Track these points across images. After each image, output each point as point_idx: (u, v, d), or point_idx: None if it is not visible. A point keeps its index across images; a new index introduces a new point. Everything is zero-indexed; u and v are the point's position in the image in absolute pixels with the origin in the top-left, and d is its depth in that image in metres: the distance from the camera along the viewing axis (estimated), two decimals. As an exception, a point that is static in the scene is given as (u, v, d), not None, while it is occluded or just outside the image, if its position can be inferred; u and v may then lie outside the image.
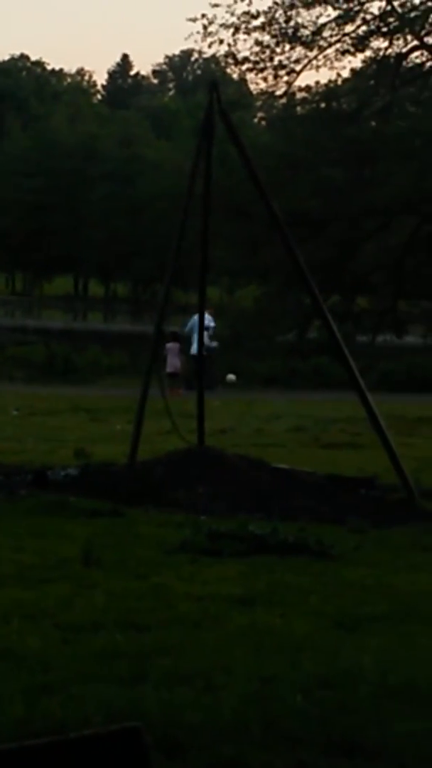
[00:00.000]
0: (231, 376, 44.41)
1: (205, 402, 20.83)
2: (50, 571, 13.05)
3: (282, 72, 57.23)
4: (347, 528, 16.21)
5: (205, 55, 66.29)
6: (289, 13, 55.55)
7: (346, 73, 61.41)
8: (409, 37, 57.70)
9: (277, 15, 55.60)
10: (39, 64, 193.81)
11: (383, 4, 56.24)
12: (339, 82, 61.20)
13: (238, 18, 55.31)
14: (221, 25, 55.39)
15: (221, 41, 56.01)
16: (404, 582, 13.15)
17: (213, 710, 8.47)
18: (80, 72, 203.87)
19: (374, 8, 56.19)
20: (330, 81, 62.03)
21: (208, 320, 45.74)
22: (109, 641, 10.22)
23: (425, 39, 58.13)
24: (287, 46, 56.19)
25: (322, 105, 60.98)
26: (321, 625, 11.07)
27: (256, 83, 60.34)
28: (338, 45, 56.86)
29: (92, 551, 13.62)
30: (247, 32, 55.80)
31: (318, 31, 56.01)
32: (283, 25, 55.79)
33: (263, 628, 10.88)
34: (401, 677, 9.32)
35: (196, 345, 45.06)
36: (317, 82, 62.58)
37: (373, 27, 56.87)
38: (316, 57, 56.87)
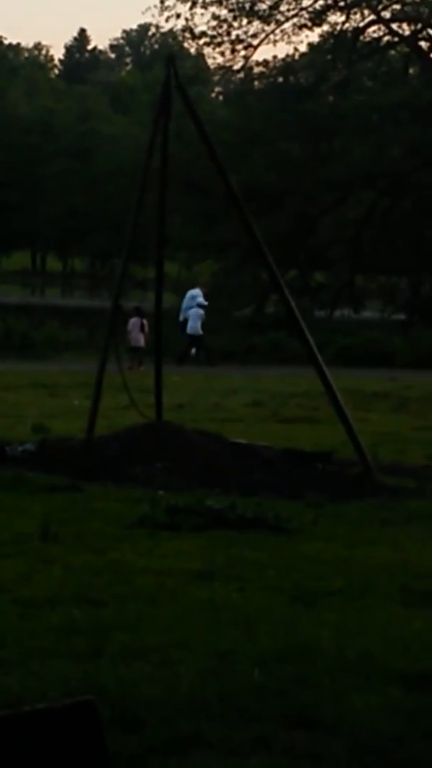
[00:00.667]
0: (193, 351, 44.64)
1: (163, 377, 20.81)
2: (7, 547, 13.03)
3: (239, 46, 57.40)
4: (305, 503, 16.21)
5: (162, 30, 66.33)
6: (246, -14, 55.52)
7: (303, 48, 61.81)
8: (366, 12, 57.98)
9: (235, -12, 55.57)
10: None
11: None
12: (296, 56, 61.53)
13: (195, -9, 55.25)
14: (178, 0, 55.35)
15: (178, 15, 56.19)
16: (361, 556, 13.17)
17: (170, 685, 8.47)
18: (37, 46, 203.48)
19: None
20: (287, 55, 62.29)
21: (202, 298, 46.08)
22: (66, 616, 10.23)
23: (382, 13, 58.37)
24: (244, 21, 56.33)
25: (280, 79, 61.15)
26: (278, 600, 11.08)
27: (213, 58, 60.50)
28: (295, 19, 57.08)
29: (50, 526, 13.60)
30: (204, 6, 55.93)
31: (275, 5, 56.17)
32: (240, -1, 55.75)
33: (221, 602, 10.89)
34: (357, 651, 9.34)
35: (193, 322, 45.47)
36: (274, 57, 62.87)
37: (330, 1, 57.10)
38: (273, 31, 57.08)
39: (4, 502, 15.53)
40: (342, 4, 57.41)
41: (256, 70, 61.00)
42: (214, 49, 57.98)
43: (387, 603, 11.08)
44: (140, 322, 41.83)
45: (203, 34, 56.77)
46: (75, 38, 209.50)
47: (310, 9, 56.83)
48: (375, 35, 59.72)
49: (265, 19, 56.39)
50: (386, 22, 59.08)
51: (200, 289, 47.62)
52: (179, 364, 43.17)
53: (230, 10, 55.78)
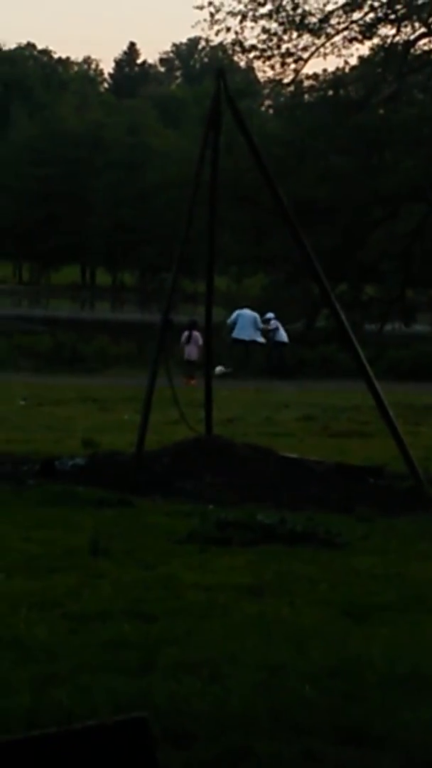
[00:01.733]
0: (220, 368, 44.67)
1: (213, 391, 20.83)
2: (58, 561, 13.06)
3: (289, 60, 57.47)
4: (355, 517, 16.22)
5: (212, 43, 66.39)
6: (296, 0, 55.69)
7: (353, 61, 61.80)
8: (416, 24, 57.93)
9: (284, 2, 55.86)
10: (45, 52, 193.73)
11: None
12: (346, 69, 61.57)
13: (245, 5, 55.57)
14: (228, 13, 55.65)
15: (228, 29, 56.28)
16: (413, 570, 13.16)
17: (220, 700, 8.49)
18: (87, 60, 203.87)
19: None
20: (337, 68, 62.36)
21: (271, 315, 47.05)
22: (116, 631, 10.24)
23: (433, 25, 58.16)
24: (294, 34, 56.43)
25: (330, 93, 61.20)
26: (329, 614, 11.09)
27: (264, 71, 60.73)
28: (346, 32, 57.16)
29: (100, 541, 13.64)
30: (255, 20, 56.06)
31: (325, 18, 56.23)
32: (291, 12, 56.01)
33: (271, 617, 10.89)
34: (408, 666, 9.34)
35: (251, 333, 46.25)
36: (325, 70, 62.84)
37: (380, 14, 57.13)
38: (323, 44, 57.10)
39: (54, 517, 15.57)
40: (393, 17, 57.42)
41: (306, 83, 61.16)
42: (264, 62, 58.13)
43: (438, 618, 11.08)
44: (197, 336, 41.86)
45: (253, 47, 56.89)
46: (125, 52, 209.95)
47: (361, 22, 56.89)
48: (426, 48, 59.68)
49: (316, 32, 56.45)
50: (439, 35, 59.06)
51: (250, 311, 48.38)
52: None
53: (280, 24, 55.86)
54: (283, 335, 48.91)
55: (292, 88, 61.35)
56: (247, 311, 47.72)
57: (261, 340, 47.96)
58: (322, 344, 49.15)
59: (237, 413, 27.92)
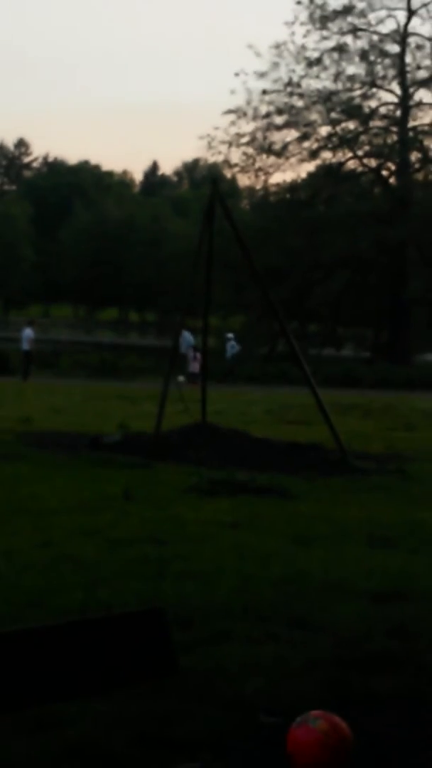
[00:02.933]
0: (180, 377, 44.57)
1: (207, 392, 20.79)
2: (101, 504, 13.02)
3: (260, 173, 57.85)
4: (301, 477, 16.17)
5: (209, 162, 66.33)
6: (266, 134, 56.05)
7: (303, 175, 62.09)
8: (346, 151, 58.11)
9: (258, 135, 56.00)
10: (97, 166, 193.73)
11: (329, 128, 56.55)
12: (299, 180, 61.75)
13: (231, 137, 55.76)
14: (220, 142, 55.84)
15: (220, 152, 56.56)
16: (340, 513, 13.11)
17: (210, 598, 8.45)
18: (124, 172, 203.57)
19: (323, 131, 56.65)
20: (293, 180, 62.53)
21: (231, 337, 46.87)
22: (140, 551, 10.21)
23: (357, 152, 58.45)
24: (264, 156, 56.65)
25: (287, 195, 61.47)
26: (283, 542, 11.05)
27: (243, 181, 60.93)
28: (299, 155, 57.34)
29: (130, 491, 13.60)
30: (238, 146, 56.31)
31: (285, 146, 56.57)
32: (262, 142, 56.19)
33: (245, 543, 10.85)
34: (338, 576, 9.31)
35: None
36: (284, 180, 63.24)
37: (322, 144, 57.25)
38: (283, 163, 57.36)
39: (98, 475, 15.52)
40: (330, 146, 57.70)
41: (272, 189, 61.36)
42: (243, 175, 58.51)
43: (357, 545, 11.02)
44: (196, 355, 41.85)
45: (236, 164, 57.24)
46: (150, 166, 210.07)
47: (309, 149, 57.23)
48: (352, 167, 59.96)
49: (278, 155, 56.71)
50: (359, 158, 59.29)
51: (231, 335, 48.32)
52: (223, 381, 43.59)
53: (255, 149, 56.27)
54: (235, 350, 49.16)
55: (261, 192, 61.59)
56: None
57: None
58: (280, 362, 49.24)
59: (222, 407, 27.84)
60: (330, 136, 57.54)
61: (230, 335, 50.51)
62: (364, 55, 55.72)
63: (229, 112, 55.77)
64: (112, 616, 3.04)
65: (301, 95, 55.86)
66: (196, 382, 38.30)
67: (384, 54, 56.82)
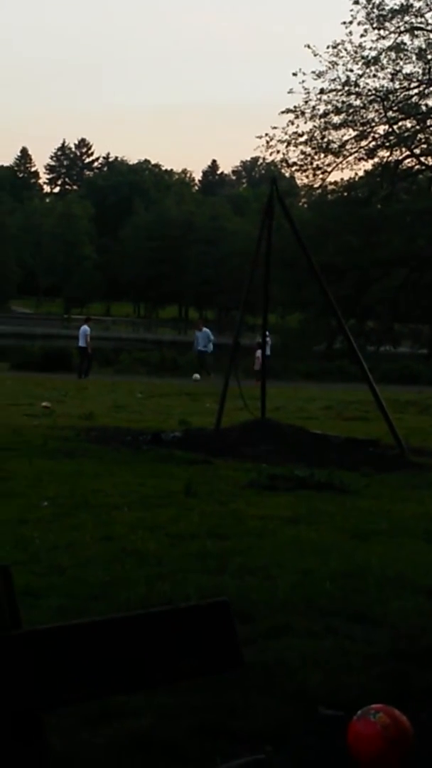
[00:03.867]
0: (196, 376, 44.43)
1: (266, 389, 20.77)
2: (163, 499, 13.04)
3: (318, 172, 57.67)
4: (360, 473, 16.13)
5: (267, 160, 66.18)
6: (323, 133, 55.85)
7: (361, 173, 61.86)
8: (403, 150, 57.83)
9: (315, 134, 55.83)
10: (157, 165, 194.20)
11: (386, 127, 56.32)
12: (356, 178, 61.58)
13: (290, 136, 55.63)
14: (278, 141, 55.73)
15: (278, 151, 56.43)
16: (398, 509, 13.05)
17: (270, 592, 8.44)
18: (184, 171, 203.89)
19: (380, 130, 56.40)
20: (350, 178, 62.40)
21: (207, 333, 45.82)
22: (201, 545, 10.21)
23: (414, 150, 58.14)
24: (322, 155, 56.48)
25: (345, 194, 61.26)
26: (342, 537, 11.02)
27: (301, 179, 60.83)
28: (356, 154, 57.15)
29: (190, 486, 13.62)
30: (296, 145, 56.15)
31: (342, 145, 56.32)
32: (320, 141, 56.00)
33: (304, 538, 10.83)
34: (395, 571, 9.26)
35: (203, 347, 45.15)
36: (341, 179, 62.95)
37: (379, 142, 57.00)
38: (341, 162, 57.13)
39: (160, 470, 15.56)
40: (387, 144, 57.45)
41: (329, 187, 61.19)
42: (301, 173, 58.33)
43: (416, 540, 10.98)
44: (260, 352, 41.80)
45: (294, 163, 57.05)
46: (209, 166, 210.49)
47: (366, 148, 57.00)
48: (410, 164, 59.72)
49: (336, 154, 56.55)
50: (417, 156, 58.98)
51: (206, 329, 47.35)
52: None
53: (313, 148, 56.07)
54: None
55: (319, 191, 61.42)
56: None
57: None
58: (338, 359, 49.18)
59: (281, 404, 27.85)
60: (387, 134, 57.27)
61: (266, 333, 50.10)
62: (421, 53, 55.34)
63: (287, 111, 55.61)
64: (177, 608, 3.05)
65: (358, 94, 55.60)
66: (258, 379, 38.39)
67: (441, 52, 56.45)
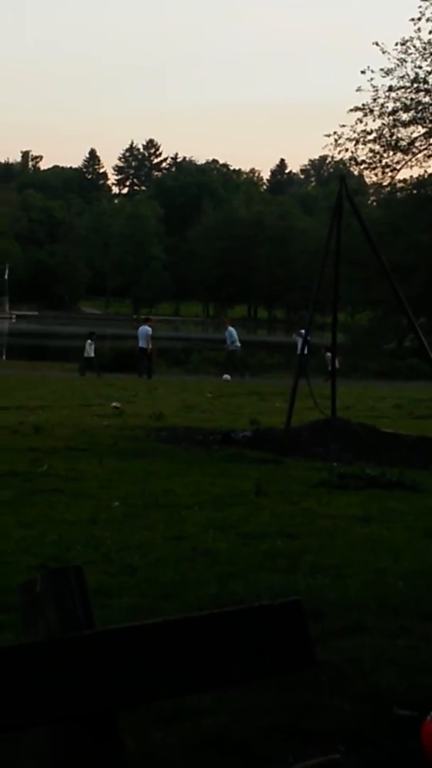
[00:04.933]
0: (226, 376, 44.29)
1: (336, 388, 20.70)
2: (233, 499, 13.04)
3: (387, 170, 57.34)
4: (431, 472, 16.04)
5: (335, 159, 66.02)
6: (392, 131, 55.55)
7: (431, 170, 61.47)
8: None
9: (384, 132, 55.59)
10: (225, 165, 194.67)
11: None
12: (426, 176, 61.21)
13: (358, 134, 55.35)
14: (347, 139, 55.48)
15: (346, 149, 56.14)
16: (470, 508, 12.97)
17: (342, 591, 8.42)
18: (252, 170, 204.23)
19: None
20: (420, 175, 62.02)
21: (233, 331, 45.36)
22: (272, 545, 10.20)
23: None
24: (391, 153, 56.21)
25: (414, 191, 60.96)
26: (414, 536, 10.96)
27: (370, 177, 60.54)
28: (425, 151, 56.74)
29: (261, 486, 13.61)
30: (364, 143, 55.86)
31: (412, 142, 55.95)
32: (389, 138, 55.77)
33: (376, 537, 10.79)
34: (470, 571, 9.21)
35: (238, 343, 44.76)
36: (411, 176, 62.55)
37: (449, 138, 56.69)
38: (410, 159, 56.83)
39: (230, 470, 15.56)
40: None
41: (399, 185, 60.91)
42: (370, 172, 58.09)
43: None
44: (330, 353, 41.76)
45: (363, 161, 56.76)
46: (277, 165, 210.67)
47: (436, 144, 56.75)
48: None
49: (405, 151, 56.25)
50: None
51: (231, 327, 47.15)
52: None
53: (382, 146, 55.80)
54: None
55: (388, 188, 61.17)
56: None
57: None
58: (408, 358, 48.98)
59: (351, 403, 27.77)
60: (458, 131, 56.95)
61: (302, 331, 50.04)
62: None
63: (356, 109, 55.31)
64: (250, 607, 3.04)
65: (427, 91, 55.20)
66: (325, 379, 38.35)
67: None
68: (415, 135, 56.47)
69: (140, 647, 2.73)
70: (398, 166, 57.70)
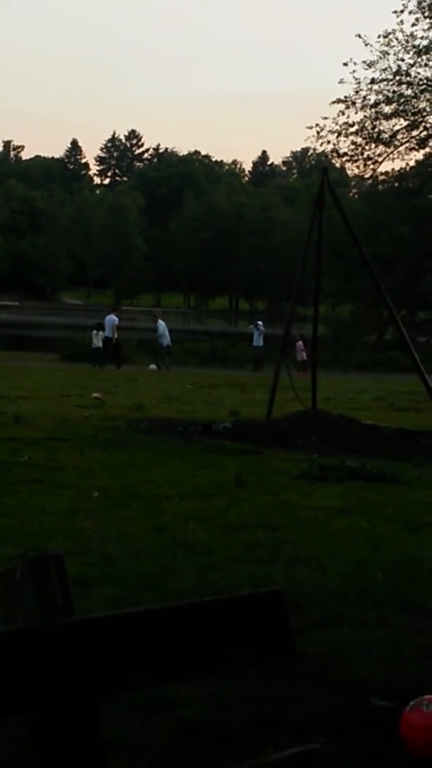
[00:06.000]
0: (152, 366, 44.40)
1: (317, 380, 20.71)
2: (213, 490, 13.05)
3: (369, 162, 57.37)
4: (412, 463, 16.07)
5: (317, 151, 65.97)
6: (374, 123, 55.58)
7: (412, 163, 61.55)
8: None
9: (366, 124, 55.61)
10: (207, 156, 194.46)
11: (438, 116, 56.08)
12: (407, 168, 61.28)
13: (340, 126, 55.36)
14: (329, 131, 55.48)
15: (329, 141, 56.14)
16: (450, 500, 13.00)
17: (322, 582, 8.43)
18: (234, 162, 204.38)
19: (432, 120, 56.14)
20: (401, 168, 62.10)
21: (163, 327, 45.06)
22: (252, 536, 10.21)
23: (466, 139, 57.90)
24: (373, 145, 56.25)
25: (396, 184, 61.07)
26: (394, 528, 10.98)
27: (352, 170, 60.51)
28: (407, 144, 56.83)
29: (241, 477, 13.62)
30: (346, 136, 55.86)
31: (394, 135, 56.03)
32: (371, 131, 55.79)
33: (356, 528, 10.80)
34: (449, 563, 9.23)
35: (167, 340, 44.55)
36: (392, 169, 62.53)
37: (430, 132, 56.69)
38: (392, 152, 56.90)
39: (210, 461, 15.57)
40: (440, 134, 57.29)
41: (380, 178, 60.95)
42: (352, 164, 58.11)
43: (468, 531, 10.93)
44: (302, 344, 41.89)
45: (345, 154, 56.78)
46: (259, 156, 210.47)
47: (417, 137, 56.74)
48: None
49: (387, 144, 56.30)
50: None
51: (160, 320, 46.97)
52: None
53: (363, 138, 55.82)
54: (260, 340, 48.64)
55: (370, 181, 61.23)
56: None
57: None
58: (389, 350, 49.08)
59: (332, 395, 27.80)
60: (439, 123, 56.99)
61: (259, 323, 50.62)
62: (474, 42, 54.97)
63: (338, 101, 55.30)
64: (231, 597, 3.05)
65: (409, 84, 55.25)
66: (305, 371, 38.40)
67: None
68: (397, 128, 56.50)
69: (120, 636, 2.73)
70: (380, 159, 57.70)
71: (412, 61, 54.79)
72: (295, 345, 42.08)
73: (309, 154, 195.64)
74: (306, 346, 43.01)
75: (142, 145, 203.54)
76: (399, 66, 54.92)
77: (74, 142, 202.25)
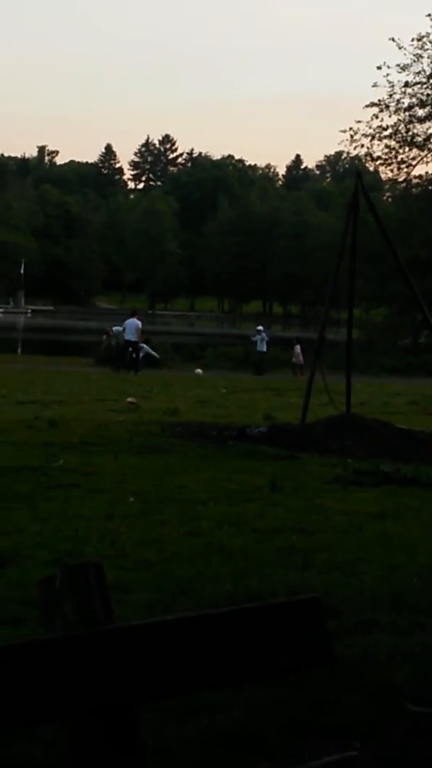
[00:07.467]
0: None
1: (351, 384, 20.67)
2: (248, 494, 13.04)
3: (403, 166, 57.28)
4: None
5: (351, 155, 65.95)
6: (408, 127, 55.46)
7: (447, 166, 61.45)
8: None
9: (400, 128, 55.51)
10: (241, 161, 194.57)
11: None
12: (441, 171, 61.09)
13: (374, 130, 55.31)
14: (362, 135, 55.42)
15: (362, 145, 56.09)
16: None
17: (357, 587, 8.42)
18: (268, 166, 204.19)
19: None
20: (435, 171, 61.93)
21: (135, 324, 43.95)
22: (287, 541, 10.19)
23: None
24: (407, 148, 56.13)
25: (430, 187, 60.88)
26: (429, 532, 10.93)
27: (385, 173, 60.45)
28: (441, 147, 56.69)
29: (276, 481, 13.61)
30: (380, 139, 55.80)
31: (427, 138, 55.93)
32: (404, 134, 55.66)
33: (391, 533, 10.78)
34: None
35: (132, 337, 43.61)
36: (426, 172, 62.35)
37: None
38: (426, 155, 56.74)
39: (245, 466, 15.55)
40: None
41: (414, 181, 60.86)
42: (386, 167, 58.05)
43: None
44: (301, 348, 41.93)
45: (379, 157, 56.77)
46: (293, 160, 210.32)
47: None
48: None
49: (421, 147, 56.18)
50: None
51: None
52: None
53: (397, 142, 55.76)
54: (263, 345, 48.85)
55: (404, 184, 61.13)
56: (132, 320, 43.94)
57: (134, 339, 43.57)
58: (423, 354, 48.92)
59: (366, 399, 27.74)
60: None
61: (260, 328, 50.75)
62: None
63: (372, 105, 55.27)
64: (269, 604, 3.06)
65: (443, 86, 55.14)
66: (302, 375, 38.42)
67: None
68: (431, 131, 56.41)
69: (159, 643, 2.75)
70: (414, 162, 57.64)
71: (446, 64, 54.65)
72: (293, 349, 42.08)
73: (342, 157, 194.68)
74: (304, 351, 43.03)
75: (176, 149, 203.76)
76: (433, 69, 54.76)
77: (108, 147, 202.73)
